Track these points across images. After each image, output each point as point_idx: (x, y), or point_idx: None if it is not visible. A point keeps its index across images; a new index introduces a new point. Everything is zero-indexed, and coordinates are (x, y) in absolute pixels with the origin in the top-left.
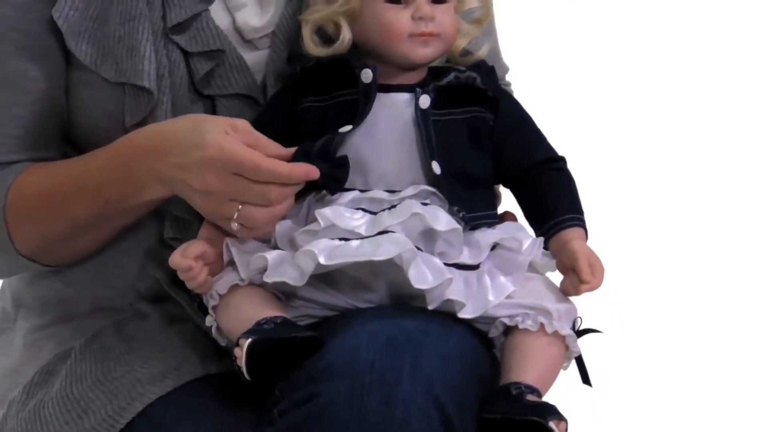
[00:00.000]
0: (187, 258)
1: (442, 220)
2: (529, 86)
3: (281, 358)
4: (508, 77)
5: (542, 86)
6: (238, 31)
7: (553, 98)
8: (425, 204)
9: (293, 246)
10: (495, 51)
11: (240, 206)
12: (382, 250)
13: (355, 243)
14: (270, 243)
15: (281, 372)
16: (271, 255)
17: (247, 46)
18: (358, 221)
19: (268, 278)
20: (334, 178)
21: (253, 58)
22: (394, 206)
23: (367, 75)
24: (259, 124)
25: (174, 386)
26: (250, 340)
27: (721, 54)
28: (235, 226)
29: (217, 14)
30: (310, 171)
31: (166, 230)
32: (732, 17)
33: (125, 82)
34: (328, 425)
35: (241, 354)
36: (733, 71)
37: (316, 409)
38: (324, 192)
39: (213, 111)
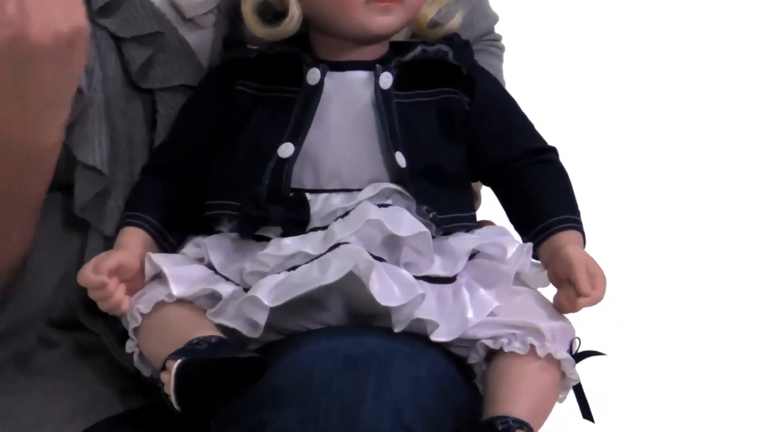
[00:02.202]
0: (100, 273)
1: (404, 223)
2: (528, 86)
3: (218, 382)
4: (498, 29)
5: (541, 86)
6: (175, 7)
7: (551, 98)
8: (385, 206)
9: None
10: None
11: None
12: (331, 271)
13: (302, 269)
14: (204, 261)
15: (218, 399)
16: (224, 289)
17: (189, 26)
18: (307, 241)
19: (216, 319)
20: (294, 222)
21: (196, 40)
22: (348, 213)
23: (313, 75)
24: (190, 112)
25: (87, 426)
26: (179, 361)
27: (722, 56)
28: None
29: None
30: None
31: (89, 251)
32: (732, 17)
33: None
34: None
35: (168, 379)
36: (733, 72)
37: None
38: None
39: (152, 107)
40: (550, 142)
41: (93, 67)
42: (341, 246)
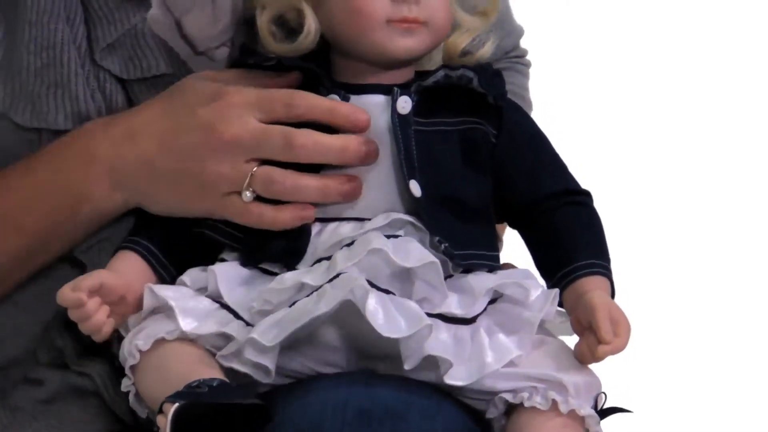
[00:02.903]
0: (79, 291)
1: (412, 254)
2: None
3: (218, 430)
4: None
5: (540, 87)
6: (187, 40)
7: (551, 99)
8: (396, 236)
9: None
10: (504, 14)
11: (255, 167)
12: (324, 302)
13: (300, 302)
14: (205, 292)
15: None
16: (235, 330)
17: (201, 60)
18: (309, 272)
19: (227, 362)
20: (290, 253)
21: None
22: (353, 242)
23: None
24: None
25: None
26: (177, 405)
27: (721, 58)
28: (248, 195)
29: (158, 22)
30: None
31: None
32: (732, 18)
33: (44, 127)
34: None
35: (165, 423)
36: (733, 74)
37: None
38: None
39: None
40: (570, 170)
41: (100, 110)
42: (340, 275)
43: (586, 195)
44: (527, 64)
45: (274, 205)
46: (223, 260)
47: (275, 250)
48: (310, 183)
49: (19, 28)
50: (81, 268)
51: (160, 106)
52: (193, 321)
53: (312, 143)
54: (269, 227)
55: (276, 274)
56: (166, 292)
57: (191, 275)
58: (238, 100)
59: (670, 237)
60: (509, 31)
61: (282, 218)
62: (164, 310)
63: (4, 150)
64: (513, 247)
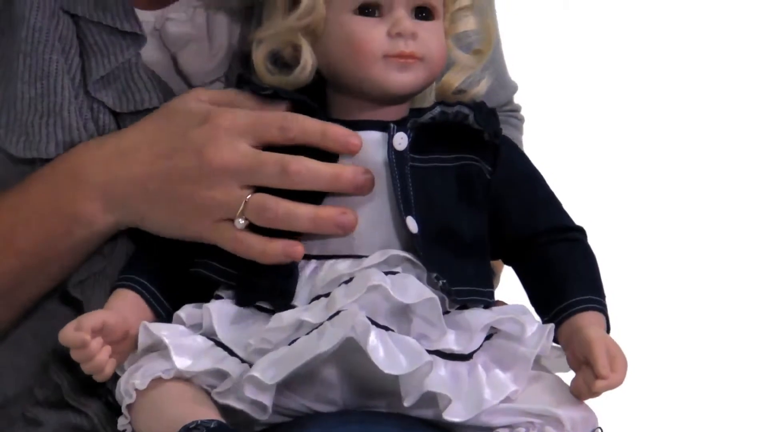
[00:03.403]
0: (82, 330)
1: (410, 290)
2: (527, 88)
3: None
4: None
5: (540, 88)
6: (182, 75)
7: (550, 100)
8: (393, 273)
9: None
10: (499, 67)
11: (249, 195)
12: (325, 339)
13: (300, 341)
14: (200, 328)
15: None
16: (230, 367)
17: None
18: (308, 310)
19: (222, 399)
20: (279, 293)
21: None
22: (352, 279)
23: None
24: None
25: None
26: None
27: (721, 59)
28: (240, 222)
29: (153, 56)
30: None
31: None
32: (732, 19)
33: (37, 157)
34: None
35: None
36: (733, 75)
37: None
38: None
39: None
40: (549, 144)
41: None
42: (340, 313)
43: (581, 231)
44: (521, 119)
45: (264, 237)
46: (218, 296)
47: (265, 289)
48: (303, 212)
49: (13, 59)
50: (75, 305)
51: (150, 127)
52: (188, 359)
53: (306, 170)
54: (258, 259)
55: (271, 311)
56: (161, 329)
57: (187, 311)
58: (229, 123)
59: (665, 276)
60: (503, 84)
61: (271, 250)
62: (159, 347)
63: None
64: (508, 282)
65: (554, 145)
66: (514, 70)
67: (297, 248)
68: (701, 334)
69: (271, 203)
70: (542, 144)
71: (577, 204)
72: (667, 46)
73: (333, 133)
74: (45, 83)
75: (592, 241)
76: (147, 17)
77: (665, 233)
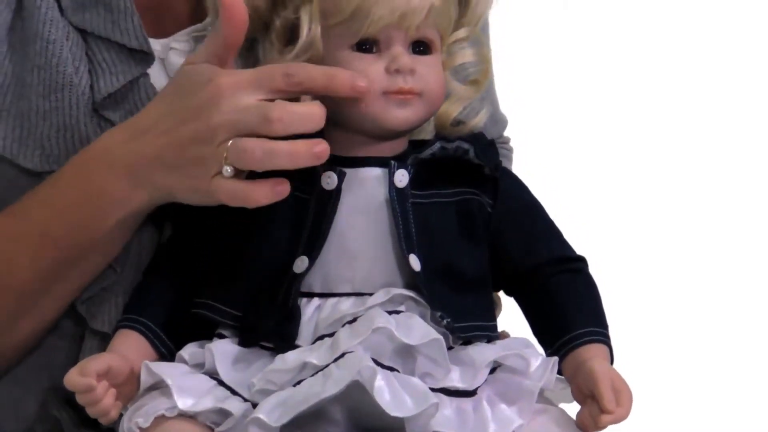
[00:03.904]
0: (87, 375)
1: (415, 331)
2: (526, 88)
3: None
4: (498, 29)
5: (539, 88)
6: None
7: (549, 101)
8: (398, 312)
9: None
10: (493, 103)
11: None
12: (331, 383)
13: (306, 383)
14: (203, 368)
15: None
16: (234, 406)
17: None
18: (312, 351)
19: None
20: (279, 335)
21: None
22: (356, 319)
23: (330, 180)
24: (197, 208)
25: None
26: None
27: (721, 59)
28: (228, 170)
29: (157, 83)
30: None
31: (84, 352)
32: (731, 19)
33: (54, 170)
34: None
35: None
36: (732, 76)
37: None
38: None
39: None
40: (548, 146)
41: None
42: (346, 355)
43: (582, 261)
44: (510, 150)
45: (249, 181)
46: (221, 335)
47: (267, 331)
48: (281, 148)
49: (26, 73)
50: (77, 321)
51: (165, 100)
52: (190, 398)
53: (288, 114)
54: (245, 204)
55: (273, 350)
56: (163, 369)
57: (189, 351)
58: (232, 80)
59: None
60: (495, 120)
61: (256, 194)
62: (161, 386)
63: (14, 198)
64: (511, 313)
65: (554, 145)
66: (514, 70)
67: (283, 186)
68: (700, 348)
69: (250, 144)
70: (542, 144)
71: (576, 204)
72: (667, 46)
73: (339, 76)
74: (59, 96)
75: (589, 251)
76: (153, 45)
77: (665, 244)
